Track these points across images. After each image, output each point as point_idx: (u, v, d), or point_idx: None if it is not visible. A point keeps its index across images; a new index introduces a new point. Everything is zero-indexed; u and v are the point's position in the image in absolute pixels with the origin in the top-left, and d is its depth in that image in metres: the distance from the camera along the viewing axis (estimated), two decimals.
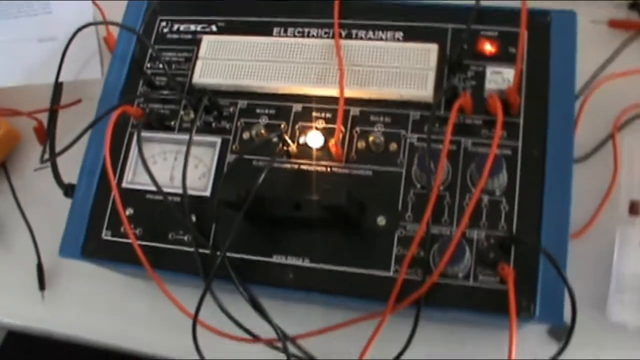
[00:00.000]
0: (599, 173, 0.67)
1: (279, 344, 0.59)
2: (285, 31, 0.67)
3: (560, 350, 0.55)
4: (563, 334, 0.59)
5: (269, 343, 0.60)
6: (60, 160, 0.71)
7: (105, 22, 0.76)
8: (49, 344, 0.82)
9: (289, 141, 0.61)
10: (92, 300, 0.75)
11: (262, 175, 0.57)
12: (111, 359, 0.86)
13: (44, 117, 0.78)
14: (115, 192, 0.62)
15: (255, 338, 0.60)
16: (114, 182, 0.62)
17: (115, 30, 0.76)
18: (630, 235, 0.63)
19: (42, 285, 0.75)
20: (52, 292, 0.76)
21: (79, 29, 0.71)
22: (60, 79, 0.75)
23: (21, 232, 0.78)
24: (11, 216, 0.80)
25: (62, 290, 0.76)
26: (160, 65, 0.68)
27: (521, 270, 0.55)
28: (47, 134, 0.74)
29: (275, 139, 0.61)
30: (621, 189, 0.66)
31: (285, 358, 0.59)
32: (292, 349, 0.60)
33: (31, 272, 0.76)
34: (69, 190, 0.69)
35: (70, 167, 0.70)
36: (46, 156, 0.73)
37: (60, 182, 0.70)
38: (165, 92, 0.66)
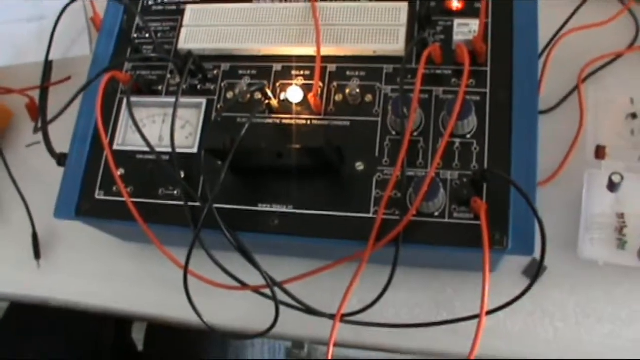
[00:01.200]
0: (566, 123, 0.71)
1: (267, 291, 0.63)
2: None
3: (533, 281, 0.58)
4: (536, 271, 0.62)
5: (257, 290, 0.64)
6: (51, 133, 0.74)
7: None
8: (50, 314, 0.84)
9: (270, 95, 0.64)
10: (85, 267, 0.78)
11: (246, 127, 0.61)
12: (109, 322, 0.89)
13: (35, 95, 0.81)
14: (107, 151, 0.66)
15: (244, 286, 0.63)
16: (106, 141, 0.66)
17: (101, 11, 0.80)
18: (596, 178, 0.67)
19: (37, 255, 0.79)
20: (47, 260, 0.79)
21: (67, 5, 0.74)
22: (50, 57, 0.79)
23: (16, 205, 0.81)
24: (6, 191, 0.83)
25: (57, 259, 0.79)
26: (147, 35, 0.72)
27: (493, 204, 0.58)
28: (38, 110, 0.78)
29: (257, 96, 0.65)
30: (587, 136, 0.70)
31: (274, 304, 0.62)
32: (279, 295, 0.63)
33: (27, 243, 0.79)
34: (61, 159, 0.72)
35: (61, 139, 0.73)
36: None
37: (53, 151, 0.73)
38: (153, 55, 0.70)
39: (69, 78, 0.83)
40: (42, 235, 0.79)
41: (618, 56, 0.73)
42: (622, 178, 0.65)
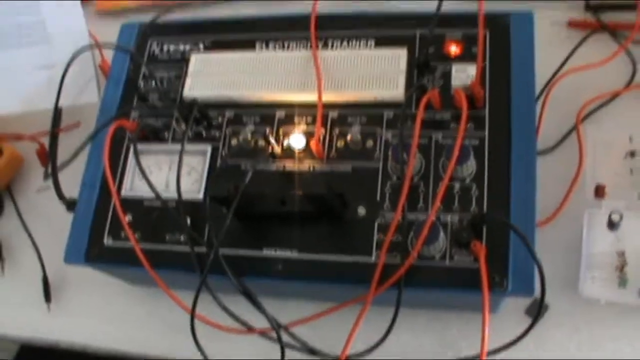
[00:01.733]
0: (565, 163, 0.72)
1: (273, 334, 0.64)
2: (267, 46, 0.73)
3: (533, 321, 0.59)
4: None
5: (263, 333, 0.65)
6: (61, 178, 0.75)
7: (100, 45, 0.82)
8: (60, 356, 0.85)
9: (273, 142, 0.66)
10: (95, 310, 0.79)
11: (250, 174, 0.62)
12: None
13: (45, 141, 0.83)
14: (115, 198, 0.67)
15: (250, 329, 0.64)
16: (114, 188, 0.67)
17: (109, 57, 0.82)
18: (596, 217, 0.68)
19: (47, 298, 0.80)
20: (58, 303, 0.81)
21: (77, 53, 0.76)
22: (60, 105, 0.80)
23: (27, 249, 0.83)
24: (18, 236, 0.85)
25: (67, 302, 0.81)
26: (153, 83, 0.74)
27: (493, 247, 0.59)
28: (48, 156, 0.79)
29: (261, 142, 0.66)
30: (587, 176, 0.70)
31: (279, 347, 0.64)
32: (285, 338, 0.64)
33: (38, 286, 0.81)
34: (71, 204, 0.73)
35: (71, 184, 0.74)
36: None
37: (62, 197, 0.75)
38: (158, 104, 0.71)
39: (78, 124, 0.85)
40: (53, 279, 0.81)
41: (616, 95, 0.74)
42: (622, 217, 0.66)
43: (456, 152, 0.60)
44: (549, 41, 0.74)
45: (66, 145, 0.80)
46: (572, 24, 0.78)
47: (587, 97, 0.74)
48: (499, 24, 0.68)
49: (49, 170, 0.76)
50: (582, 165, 0.71)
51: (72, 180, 0.74)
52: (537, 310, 0.58)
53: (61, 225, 0.73)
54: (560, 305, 0.68)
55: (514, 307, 0.69)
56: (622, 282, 0.66)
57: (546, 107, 0.72)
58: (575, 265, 0.68)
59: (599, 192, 0.69)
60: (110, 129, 0.69)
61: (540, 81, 0.68)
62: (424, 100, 0.63)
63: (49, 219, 0.83)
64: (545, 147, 0.73)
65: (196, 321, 0.64)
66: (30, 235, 0.82)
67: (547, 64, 0.73)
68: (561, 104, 0.73)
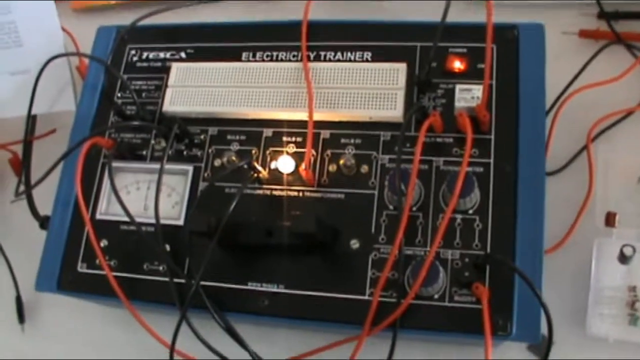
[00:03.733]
0: (574, 185, 0.67)
1: None
2: (254, 55, 0.66)
3: None
4: (542, 348, 0.58)
5: None
6: (36, 192, 0.71)
7: (74, 54, 0.76)
8: None
9: (259, 168, 0.60)
10: (71, 332, 0.74)
11: (233, 204, 0.57)
12: None
13: (19, 149, 0.78)
14: (88, 226, 0.62)
15: None
16: (87, 216, 0.62)
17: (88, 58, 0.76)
18: (607, 247, 0.63)
19: (21, 319, 0.75)
20: (32, 325, 0.75)
21: (49, 61, 0.71)
22: (33, 112, 0.75)
23: None
24: None
25: (42, 323, 0.76)
26: (130, 95, 0.67)
27: (496, 289, 0.55)
28: (22, 166, 0.74)
29: (245, 166, 0.61)
30: (596, 200, 0.65)
31: None
32: None
33: (11, 306, 0.75)
34: (44, 222, 0.68)
35: (48, 198, 0.69)
36: (22, 188, 0.73)
37: (36, 214, 0.70)
38: (136, 122, 0.65)
39: (54, 131, 0.79)
40: (27, 299, 0.75)
41: (629, 113, 0.68)
42: (635, 250, 0.61)
43: (459, 185, 0.55)
44: (559, 53, 0.68)
45: (42, 152, 0.75)
46: (584, 34, 0.72)
47: (599, 114, 0.68)
48: (506, 37, 0.62)
49: (22, 186, 0.71)
50: (592, 188, 0.65)
51: (48, 192, 0.68)
52: (544, 354, 0.53)
53: (37, 238, 0.67)
54: (566, 342, 0.63)
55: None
56: (633, 319, 0.61)
57: (555, 125, 0.67)
58: (583, 297, 0.63)
59: (610, 220, 0.64)
60: (84, 148, 0.63)
61: (549, 97, 0.62)
62: (424, 125, 0.57)
63: (24, 232, 0.77)
64: (553, 168, 0.68)
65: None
66: (3, 252, 0.77)
67: (556, 77, 0.66)
68: (571, 121, 0.68)
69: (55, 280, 0.64)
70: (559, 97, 0.68)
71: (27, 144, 0.75)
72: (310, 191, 0.60)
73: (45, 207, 0.69)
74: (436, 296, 0.56)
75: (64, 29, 0.80)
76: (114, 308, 0.72)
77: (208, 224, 0.56)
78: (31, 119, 0.75)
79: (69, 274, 0.64)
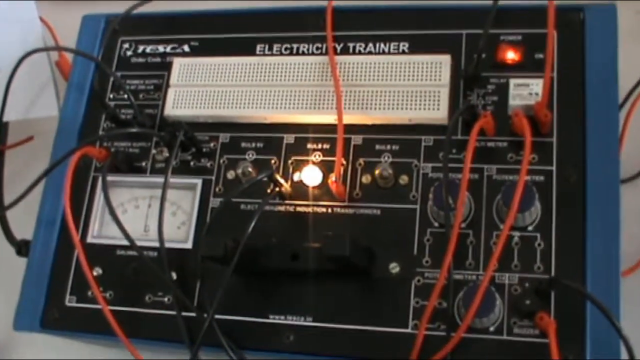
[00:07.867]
0: None
1: None
2: (270, 48, 0.70)
3: None
4: None
5: None
6: (12, 212, 0.73)
7: (55, 48, 0.79)
8: None
9: (281, 181, 0.64)
10: None
11: (252, 223, 0.60)
12: None
13: None
14: (79, 250, 0.65)
15: None
16: (77, 239, 0.66)
17: (69, 53, 0.80)
18: None
19: None
20: None
21: (24, 57, 0.74)
22: (6, 118, 0.78)
23: None
24: None
25: None
26: (125, 96, 0.71)
27: (564, 319, 0.57)
28: None
29: (265, 179, 0.64)
30: None
31: None
32: None
33: None
34: (22, 247, 0.71)
35: (25, 218, 0.72)
36: None
37: (12, 238, 0.73)
38: (133, 128, 0.69)
39: (31, 138, 0.83)
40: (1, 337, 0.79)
41: None
42: None
43: (517, 197, 0.58)
44: (634, 37, 0.71)
45: (17, 163, 0.79)
46: None
47: None
48: (570, 20, 0.66)
49: None
50: None
51: (26, 211, 0.72)
52: None
53: (15, 268, 0.70)
54: None
55: None
56: None
57: (629, 123, 0.70)
58: None
59: None
60: (72, 160, 0.66)
61: (621, 89, 0.64)
62: (475, 128, 0.60)
63: None
64: (627, 174, 0.71)
65: None
66: None
67: (630, 66, 0.69)
68: None
69: (38, 318, 0.67)
70: (632, 90, 0.71)
71: None
72: (341, 207, 0.64)
73: (22, 231, 0.72)
74: (492, 329, 0.59)
75: (41, 19, 0.83)
76: (108, 348, 0.76)
77: (224, 247, 0.59)
78: (2, 126, 0.79)
79: (55, 309, 0.67)
